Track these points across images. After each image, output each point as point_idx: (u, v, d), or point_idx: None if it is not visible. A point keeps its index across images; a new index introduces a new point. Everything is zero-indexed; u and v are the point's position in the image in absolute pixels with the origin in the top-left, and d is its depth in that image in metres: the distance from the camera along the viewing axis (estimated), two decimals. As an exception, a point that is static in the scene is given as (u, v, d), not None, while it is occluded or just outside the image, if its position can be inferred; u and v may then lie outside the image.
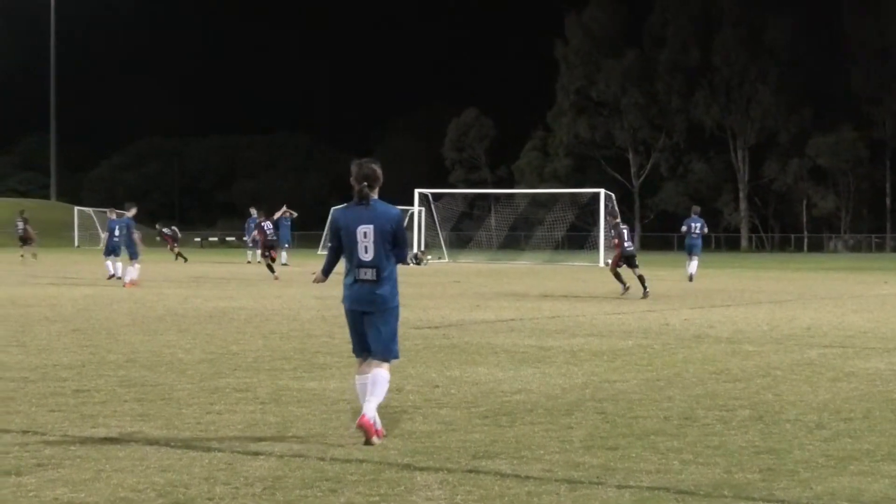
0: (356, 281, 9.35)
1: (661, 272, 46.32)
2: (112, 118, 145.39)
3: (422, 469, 8.08)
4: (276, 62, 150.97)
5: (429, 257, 55.98)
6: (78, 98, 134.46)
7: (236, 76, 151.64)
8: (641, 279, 29.50)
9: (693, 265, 39.06)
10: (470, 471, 8.02)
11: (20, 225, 55.74)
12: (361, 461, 8.32)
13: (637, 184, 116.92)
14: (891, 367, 14.44)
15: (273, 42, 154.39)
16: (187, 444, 8.88)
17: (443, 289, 32.08)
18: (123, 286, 31.78)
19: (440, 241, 63.75)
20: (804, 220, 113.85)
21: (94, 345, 16.06)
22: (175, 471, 7.94)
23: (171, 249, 58.03)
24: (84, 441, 9.00)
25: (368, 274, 9.31)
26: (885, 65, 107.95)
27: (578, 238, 68.97)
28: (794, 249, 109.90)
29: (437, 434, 9.44)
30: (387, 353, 9.37)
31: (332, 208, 67.01)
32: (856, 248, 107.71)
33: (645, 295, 28.81)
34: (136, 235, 33.18)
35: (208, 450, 8.68)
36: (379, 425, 9.21)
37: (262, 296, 28.22)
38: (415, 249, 58.33)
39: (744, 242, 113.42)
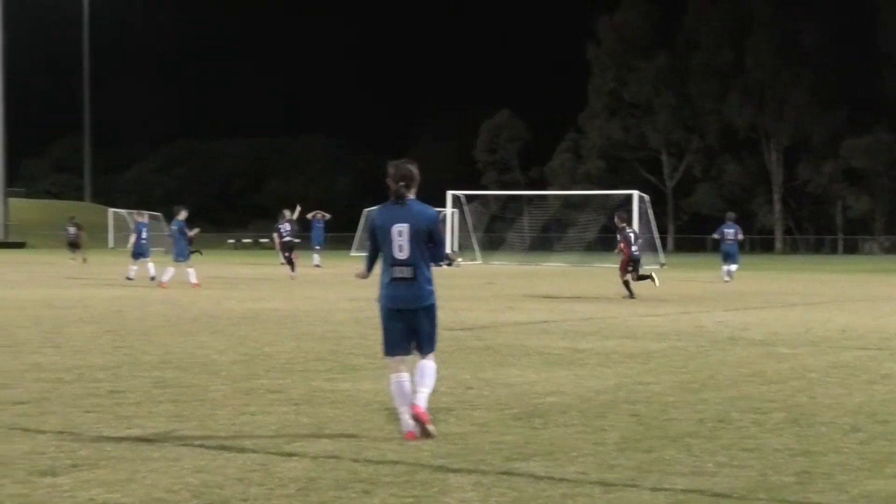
0: (392, 279, 9.44)
1: (695, 274, 46.22)
2: (145, 121, 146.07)
3: (455, 471, 8.07)
4: (308, 64, 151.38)
5: (460, 259, 56.00)
6: (111, 100, 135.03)
7: (269, 78, 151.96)
8: (627, 284, 29.64)
9: (731, 271, 39.00)
10: (503, 472, 8.00)
11: (72, 230, 56.59)
12: (395, 462, 8.32)
13: (670, 186, 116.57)
14: (927, 369, 14.33)
15: (305, 44, 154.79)
16: (221, 445, 8.90)
17: (475, 290, 32.06)
18: (160, 285, 32.02)
19: (473, 242, 63.74)
20: (839, 221, 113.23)
21: (128, 346, 16.12)
22: (209, 472, 7.96)
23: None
24: (119, 442, 9.03)
25: (404, 272, 9.39)
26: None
27: (611, 240, 68.88)
28: (828, 251, 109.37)
29: (471, 435, 9.43)
30: (429, 347, 9.56)
31: (365, 210, 66.80)
32: (891, 250, 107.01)
33: (629, 297, 29.15)
34: (182, 236, 33.35)
35: (242, 451, 8.69)
36: (415, 426, 9.32)
37: (295, 297, 28.27)
38: (455, 249, 58.38)
39: (778, 244, 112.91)
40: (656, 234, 59.37)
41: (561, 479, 7.80)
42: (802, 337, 18.58)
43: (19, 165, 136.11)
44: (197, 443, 8.99)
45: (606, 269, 50.59)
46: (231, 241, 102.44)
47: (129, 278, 35.86)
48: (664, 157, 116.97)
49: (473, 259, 60.08)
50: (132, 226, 62.00)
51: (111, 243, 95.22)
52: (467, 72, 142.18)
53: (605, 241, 66.93)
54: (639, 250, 30.49)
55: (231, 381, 12.56)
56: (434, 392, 10.12)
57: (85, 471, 7.97)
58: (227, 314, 22.43)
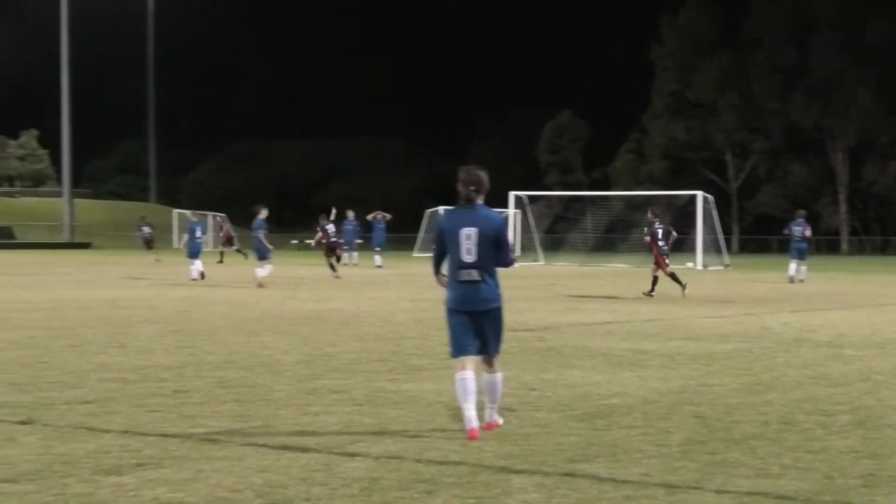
0: (460, 282, 9.60)
1: (759, 275, 45.86)
2: (209, 121, 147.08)
3: (518, 471, 8.06)
4: (372, 65, 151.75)
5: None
6: (176, 101, 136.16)
7: (333, 79, 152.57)
8: (655, 281, 30.26)
9: (801, 270, 38.83)
10: (566, 474, 7.98)
11: (146, 230, 57.59)
12: (458, 463, 8.31)
13: (735, 186, 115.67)
14: None
15: (370, 45, 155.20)
16: (285, 445, 8.94)
17: (538, 291, 31.99)
18: (258, 286, 32.22)
19: (535, 243, 63.58)
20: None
21: (192, 346, 16.24)
22: (273, 471, 7.99)
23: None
24: (183, 441, 9.09)
25: (472, 275, 9.56)
26: None
27: (675, 241, 68.42)
28: (894, 252, 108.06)
29: (533, 437, 9.41)
30: (495, 349, 9.72)
31: (427, 210, 66.72)
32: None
33: (650, 294, 29.83)
34: (262, 235, 33.61)
35: (305, 450, 8.73)
36: (477, 424, 9.46)
37: (357, 298, 28.35)
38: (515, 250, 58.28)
39: (844, 245, 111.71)
40: (720, 235, 58.93)
41: (624, 481, 7.77)
42: (869, 339, 18.38)
43: (85, 166, 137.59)
44: (260, 442, 9.04)
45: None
46: (294, 241, 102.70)
47: (193, 279, 36.16)
48: (728, 158, 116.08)
49: (536, 260, 59.93)
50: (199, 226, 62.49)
51: (176, 244, 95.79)
52: (529, 73, 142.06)
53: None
54: (667, 246, 30.85)
55: (294, 381, 12.61)
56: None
57: (149, 470, 8.03)
58: (291, 314, 22.54)
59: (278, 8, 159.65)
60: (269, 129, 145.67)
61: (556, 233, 75.39)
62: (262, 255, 33.42)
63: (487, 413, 9.67)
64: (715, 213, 58.63)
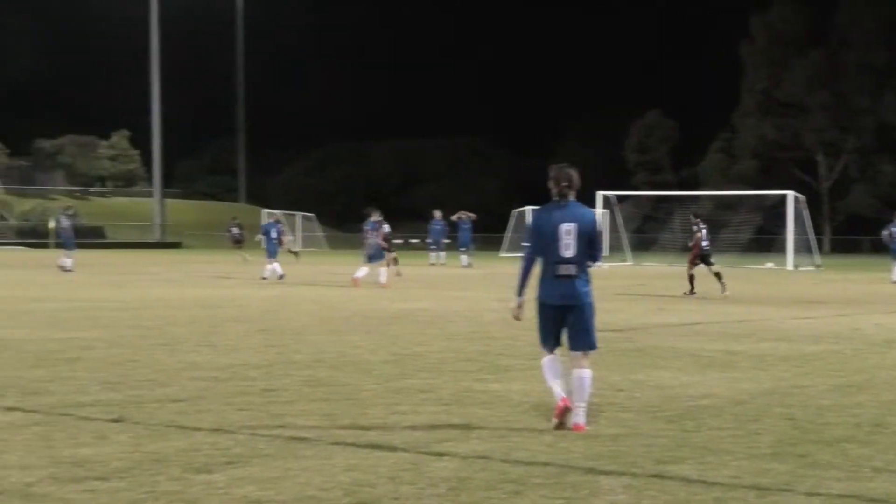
0: (556, 277, 9.76)
1: (851, 276, 45.23)
2: (298, 122, 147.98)
3: (606, 473, 8.01)
4: (457, 65, 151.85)
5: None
6: (265, 102, 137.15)
7: (418, 79, 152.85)
8: (718, 276, 30.85)
9: None
10: (655, 475, 7.92)
11: (236, 230, 58.24)
12: (545, 464, 8.29)
13: (826, 186, 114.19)
14: None
15: (454, 45, 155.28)
16: (373, 444, 8.97)
17: (626, 291, 31.80)
18: (356, 284, 32.45)
19: (623, 243, 63.27)
20: None
21: (281, 345, 16.34)
22: (361, 470, 8.02)
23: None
24: (272, 440, 9.15)
25: (569, 269, 9.76)
26: None
27: (765, 241, 67.62)
28: None
29: (622, 438, 9.36)
30: (588, 344, 9.87)
31: (514, 210, 66.70)
32: None
33: (724, 292, 29.88)
34: (377, 237, 33.92)
35: (393, 450, 8.75)
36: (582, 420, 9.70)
37: (444, 298, 28.38)
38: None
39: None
40: (812, 236, 58.20)
41: (714, 483, 7.70)
42: (965, 340, 18.06)
43: (175, 166, 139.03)
44: (349, 441, 9.08)
45: (761, 272, 49.82)
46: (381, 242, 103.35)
47: (280, 276, 36.59)
48: (820, 158, 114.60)
49: (624, 260, 59.63)
50: (287, 228, 63.08)
51: (265, 244, 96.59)
52: (614, 72, 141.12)
53: (761, 242, 65.93)
54: (709, 245, 31.59)
55: (382, 381, 12.65)
56: (584, 393, 10.10)
57: (239, 468, 8.09)
58: (379, 314, 22.61)
59: (369, 8, 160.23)
60: (359, 131, 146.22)
61: (645, 233, 74.93)
62: (373, 257, 33.70)
63: (575, 414, 9.67)
64: (806, 213, 57.90)
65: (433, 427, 9.77)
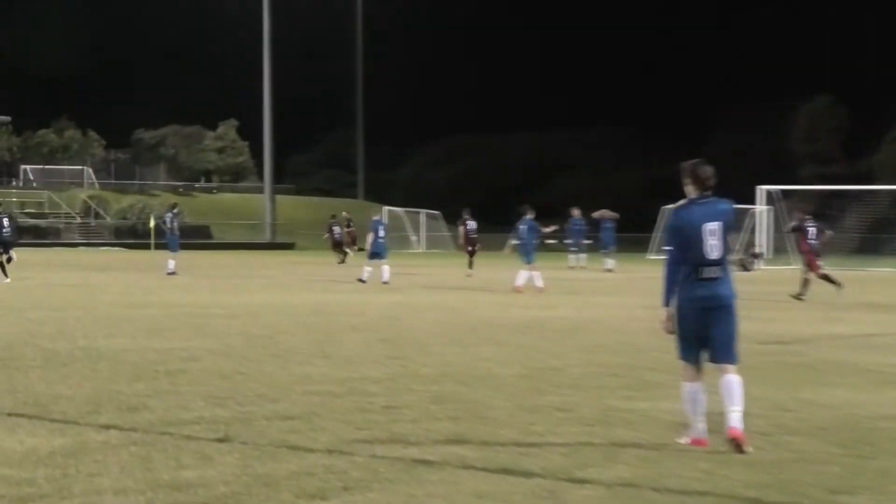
0: (702, 279, 9.91)
1: None
2: (421, 114, 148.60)
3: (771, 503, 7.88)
4: (594, 48, 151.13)
5: (757, 262, 54.81)
6: (384, 92, 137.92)
7: (550, 66, 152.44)
8: (805, 283, 31.07)
9: None
10: (827, 508, 7.77)
11: (337, 230, 58.35)
12: (701, 493, 8.17)
13: None
14: None
15: (590, 27, 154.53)
16: (505, 468, 8.91)
17: (789, 298, 31.31)
18: (518, 291, 32.69)
19: (788, 244, 62.35)
20: None
21: (403, 357, 16.38)
22: (493, 497, 7.97)
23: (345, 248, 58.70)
24: (393, 462, 9.14)
25: (715, 272, 9.94)
26: None
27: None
28: None
29: (788, 464, 9.20)
30: (731, 355, 9.94)
31: (664, 207, 66.30)
32: None
33: (839, 289, 30.41)
34: (533, 237, 34.44)
35: (528, 475, 8.68)
36: (707, 436, 9.80)
37: (585, 304, 28.26)
38: (757, 249, 57.22)
39: None
40: None
41: (896, 518, 7.51)
42: None
43: (288, 160, 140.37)
44: (479, 465, 9.03)
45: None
46: (515, 241, 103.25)
47: (361, 280, 37.05)
48: None
49: (789, 263, 58.79)
50: (409, 225, 63.21)
51: (371, 244, 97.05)
52: (776, 53, 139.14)
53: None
54: (818, 244, 31.61)
55: (515, 398, 12.60)
56: (746, 415, 9.94)
57: (357, 494, 8.09)
58: (511, 323, 22.57)
59: None
60: (485, 122, 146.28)
61: (812, 232, 73.68)
62: (528, 259, 34.09)
63: (731, 418, 9.74)
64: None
65: (573, 450, 9.69)
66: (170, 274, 41.15)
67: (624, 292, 34.19)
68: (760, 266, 55.07)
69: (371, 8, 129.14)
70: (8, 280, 35.05)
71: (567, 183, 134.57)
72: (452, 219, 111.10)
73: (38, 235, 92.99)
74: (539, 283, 33.63)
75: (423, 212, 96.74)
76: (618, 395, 12.86)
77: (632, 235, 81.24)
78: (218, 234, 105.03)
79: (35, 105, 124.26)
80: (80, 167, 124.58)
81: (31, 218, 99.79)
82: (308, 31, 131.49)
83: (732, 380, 9.84)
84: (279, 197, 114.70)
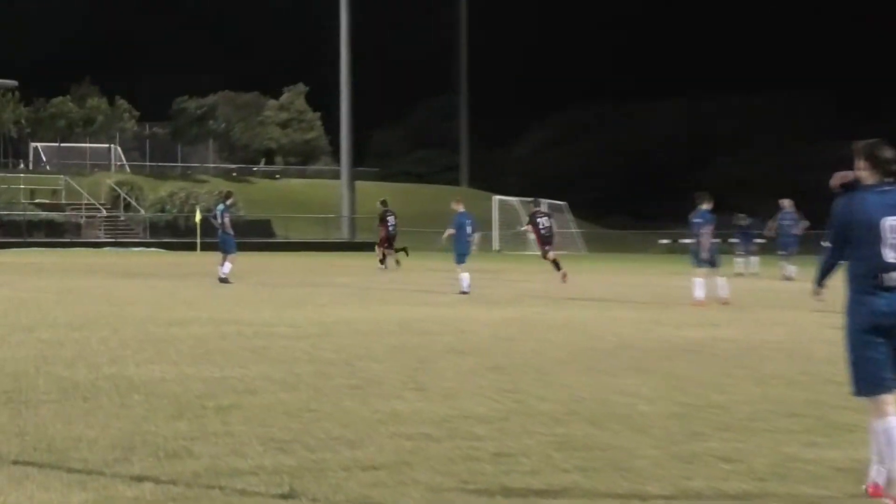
0: (882, 289, 9.86)
1: None
2: (537, 81, 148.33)
3: None
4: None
5: None
6: (491, 53, 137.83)
7: (705, 13, 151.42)
8: None
9: None
10: None
11: (392, 220, 58.28)
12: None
13: None
14: None
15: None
16: (654, 536, 8.86)
17: None
18: (696, 304, 32.79)
19: None
20: None
21: (519, 389, 16.33)
22: (637, 574, 7.91)
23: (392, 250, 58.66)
24: (509, 527, 9.11)
25: None
26: None
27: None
28: None
29: None
30: None
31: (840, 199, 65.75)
32: None
33: None
34: (709, 233, 34.32)
35: (684, 545, 8.62)
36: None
37: (757, 322, 28.14)
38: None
39: None
40: None
41: None
42: None
43: (370, 137, 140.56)
44: (618, 531, 8.98)
45: None
46: (664, 241, 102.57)
47: (464, 292, 37.00)
48: None
49: None
50: (524, 220, 63.18)
51: (496, 244, 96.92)
52: None
53: None
54: None
55: (665, 443, 12.53)
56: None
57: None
58: (658, 345, 22.49)
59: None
60: (622, 86, 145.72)
61: None
62: (711, 261, 34.51)
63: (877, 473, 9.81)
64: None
65: (743, 512, 9.62)
66: (221, 281, 41.44)
67: (806, 306, 33.91)
68: None
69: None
70: None
71: (731, 163, 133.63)
72: (582, 210, 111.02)
73: (53, 233, 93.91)
74: (724, 292, 33.79)
75: (543, 202, 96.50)
76: (798, 441, 12.78)
77: (820, 233, 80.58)
78: (282, 230, 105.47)
79: (49, 66, 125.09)
80: (107, 145, 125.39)
81: (44, 210, 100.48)
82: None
83: None
84: (359, 183, 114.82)
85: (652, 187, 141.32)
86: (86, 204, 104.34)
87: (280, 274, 51.49)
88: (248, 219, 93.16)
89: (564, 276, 42.73)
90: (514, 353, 21.11)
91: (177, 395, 15.54)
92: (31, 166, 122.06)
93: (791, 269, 51.34)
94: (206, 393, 15.68)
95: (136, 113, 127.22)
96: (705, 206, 34.79)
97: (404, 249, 60.35)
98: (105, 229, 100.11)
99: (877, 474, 9.92)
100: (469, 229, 39.02)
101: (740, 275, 52.06)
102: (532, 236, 50.68)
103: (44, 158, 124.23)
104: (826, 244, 10.32)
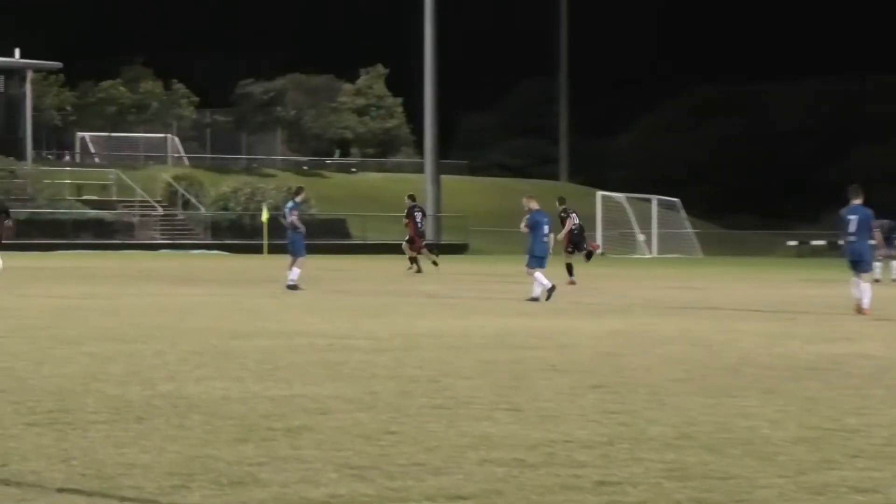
0: None
1: None
2: (646, 58, 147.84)
3: None
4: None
5: None
6: (595, 29, 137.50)
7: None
8: None
9: None
10: None
11: (419, 215, 58.17)
12: None
13: None
14: None
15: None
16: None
17: None
18: (861, 312, 32.67)
19: None
20: None
21: (626, 410, 16.32)
22: None
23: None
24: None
25: None
26: None
27: None
28: None
29: None
30: None
31: None
32: None
33: None
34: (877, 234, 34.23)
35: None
36: None
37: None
38: None
39: None
40: None
41: None
42: None
43: (458, 125, 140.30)
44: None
45: None
46: (793, 242, 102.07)
47: (534, 298, 37.18)
48: None
49: None
50: (634, 219, 63.09)
51: (601, 246, 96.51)
52: None
53: None
54: None
55: (793, 472, 12.50)
56: None
57: None
58: (785, 362, 22.42)
59: None
60: (745, 65, 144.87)
61: None
62: (865, 263, 34.37)
63: None
64: None
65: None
66: (291, 288, 41.55)
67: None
68: None
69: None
70: None
71: (871, 155, 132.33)
72: (697, 208, 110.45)
73: (102, 233, 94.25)
74: (866, 300, 33.38)
75: (654, 198, 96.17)
76: (945, 471, 12.67)
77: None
78: (358, 230, 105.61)
79: (97, 46, 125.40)
80: (163, 135, 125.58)
81: (92, 208, 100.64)
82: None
83: None
84: (445, 178, 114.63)
85: (779, 181, 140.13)
86: (139, 201, 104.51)
87: (357, 280, 51.64)
88: (320, 217, 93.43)
89: (572, 283, 43.07)
90: (621, 369, 21.11)
91: (241, 415, 15.63)
92: (77, 158, 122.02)
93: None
94: (274, 413, 15.77)
95: (195, 98, 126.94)
96: (857, 201, 34.14)
97: (436, 254, 60.25)
98: (161, 229, 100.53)
99: None
100: (546, 228, 39.00)
101: (877, 281, 51.75)
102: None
103: (92, 150, 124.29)
104: None
